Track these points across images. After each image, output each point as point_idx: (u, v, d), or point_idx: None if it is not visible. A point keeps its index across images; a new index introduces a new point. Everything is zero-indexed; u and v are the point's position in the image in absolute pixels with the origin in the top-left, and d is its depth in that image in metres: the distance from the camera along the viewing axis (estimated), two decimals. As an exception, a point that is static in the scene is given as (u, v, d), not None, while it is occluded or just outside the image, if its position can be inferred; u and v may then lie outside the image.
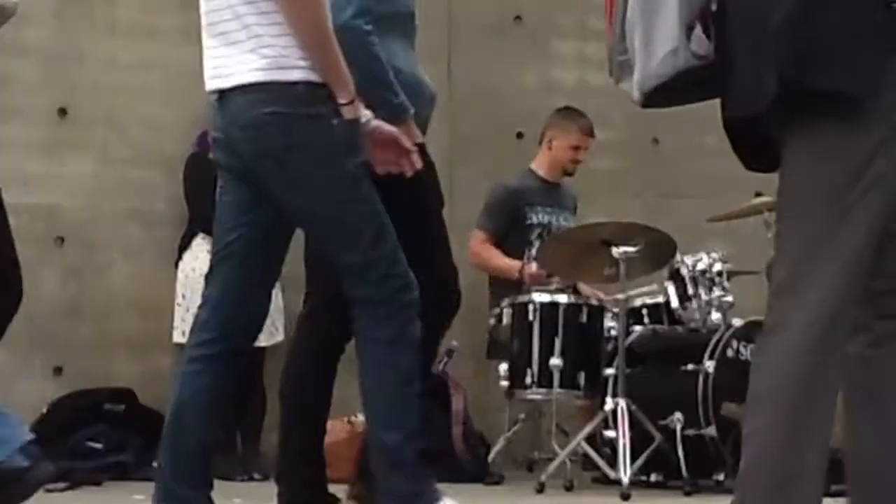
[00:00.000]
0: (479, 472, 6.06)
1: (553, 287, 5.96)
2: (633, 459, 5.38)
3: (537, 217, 6.49)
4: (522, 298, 5.94)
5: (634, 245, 5.60)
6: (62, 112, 6.56)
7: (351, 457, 6.17)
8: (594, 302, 5.98)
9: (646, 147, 7.40)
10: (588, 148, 6.59)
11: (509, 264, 6.29)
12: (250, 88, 3.57)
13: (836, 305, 2.60)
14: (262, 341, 6.42)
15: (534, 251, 6.39)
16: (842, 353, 2.67)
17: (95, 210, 6.57)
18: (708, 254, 5.90)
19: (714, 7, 2.79)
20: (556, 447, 5.81)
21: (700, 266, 5.85)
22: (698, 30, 2.80)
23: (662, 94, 2.92)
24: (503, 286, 6.32)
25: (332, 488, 5.94)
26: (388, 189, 3.70)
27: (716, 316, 5.80)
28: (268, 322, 6.50)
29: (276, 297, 6.52)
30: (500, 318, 6.14)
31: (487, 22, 7.24)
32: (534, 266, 6.09)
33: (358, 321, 3.65)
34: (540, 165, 6.61)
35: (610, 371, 5.74)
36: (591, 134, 6.60)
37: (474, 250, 6.48)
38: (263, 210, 3.69)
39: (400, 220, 3.67)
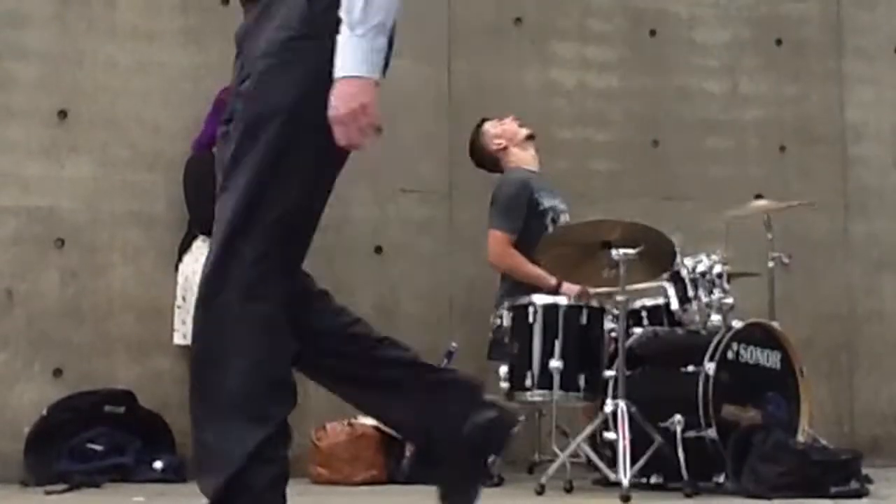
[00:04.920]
0: (479, 474, 6.05)
1: (594, 302, 5.95)
2: (633, 461, 5.37)
3: (546, 202, 6.50)
4: (522, 300, 5.94)
5: (635, 247, 5.60)
6: (62, 114, 6.56)
7: (350, 458, 6.19)
8: (594, 304, 5.97)
9: (645, 149, 7.40)
10: (507, 117, 6.69)
11: (542, 274, 6.22)
12: None
13: None
14: (262, 343, 6.42)
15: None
16: None
17: (95, 212, 6.56)
18: (708, 255, 5.89)
19: None
20: (556, 449, 5.80)
21: (700, 268, 5.85)
22: None
23: None
24: (515, 287, 6.28)
25: (332, 490, 5.95)
26: None
27: (716, 318, 5.79)
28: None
29: (276, 298, 6.52)
30: (502, 319, 6.14)
31: (488, 23, 7.24)
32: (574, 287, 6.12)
33: None
34: (518, 163, 6.62)
35: (610, 373, 5.73)
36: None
37: (497, 253, 6.41)
38: None
39: None
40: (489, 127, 6.71)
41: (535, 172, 6.61)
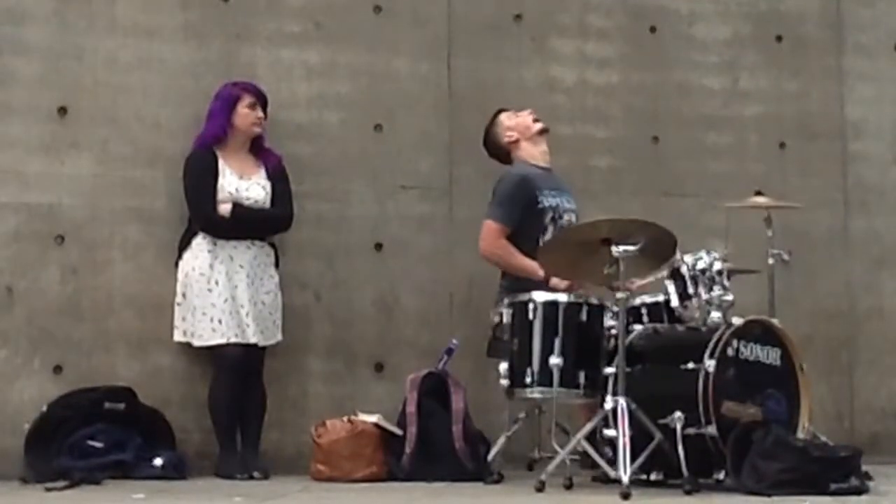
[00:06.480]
0: (479, 471, 6.06)
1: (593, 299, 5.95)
2: (633, 458, 5.37)
3: (547, 201, 6.47)
4: (522, 297, 5.93)
5: (634, 243, 5.59)
6: (62, 111, 6.56)
7: (350, 455, 6.19)
8: (594, 301, 5.97)
9: (645, 145, 7.40)
10: (525, 110, 6.69)
11: (530, 265, 6.21)
12: None
13: None
14: (262, 341, 6.43)
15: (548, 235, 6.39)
16: None
17: (95, 209, 6.56)
18: (708, 252, 5.89)
19: None
20: (556, 446, 5.81)
21: (700, 265, 5.84)
22: None
23: None
24: (515, 284, 6.27)
25: (333, 487, 5.95)
26: None
27: (716, 315, 5.79)
28: (268, 322, 6.56)
29: (276, 297, 6.52)
30: (502, 316, 6.13)
31: (487, 20, 7.23)
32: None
33: None
34: (526, 158, 6.61)
35: (610, 370, 5.73)
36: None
37: (489, 243, 6.39)
38: None
39: None
40: (504, 118, 6.69)
41: (542, 169, 6.59)
